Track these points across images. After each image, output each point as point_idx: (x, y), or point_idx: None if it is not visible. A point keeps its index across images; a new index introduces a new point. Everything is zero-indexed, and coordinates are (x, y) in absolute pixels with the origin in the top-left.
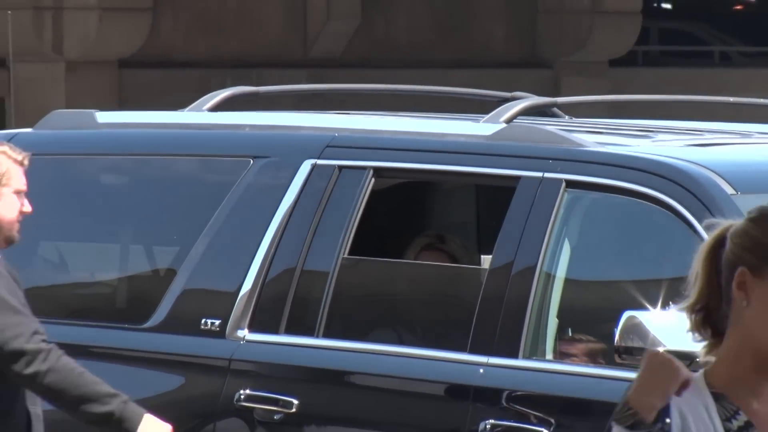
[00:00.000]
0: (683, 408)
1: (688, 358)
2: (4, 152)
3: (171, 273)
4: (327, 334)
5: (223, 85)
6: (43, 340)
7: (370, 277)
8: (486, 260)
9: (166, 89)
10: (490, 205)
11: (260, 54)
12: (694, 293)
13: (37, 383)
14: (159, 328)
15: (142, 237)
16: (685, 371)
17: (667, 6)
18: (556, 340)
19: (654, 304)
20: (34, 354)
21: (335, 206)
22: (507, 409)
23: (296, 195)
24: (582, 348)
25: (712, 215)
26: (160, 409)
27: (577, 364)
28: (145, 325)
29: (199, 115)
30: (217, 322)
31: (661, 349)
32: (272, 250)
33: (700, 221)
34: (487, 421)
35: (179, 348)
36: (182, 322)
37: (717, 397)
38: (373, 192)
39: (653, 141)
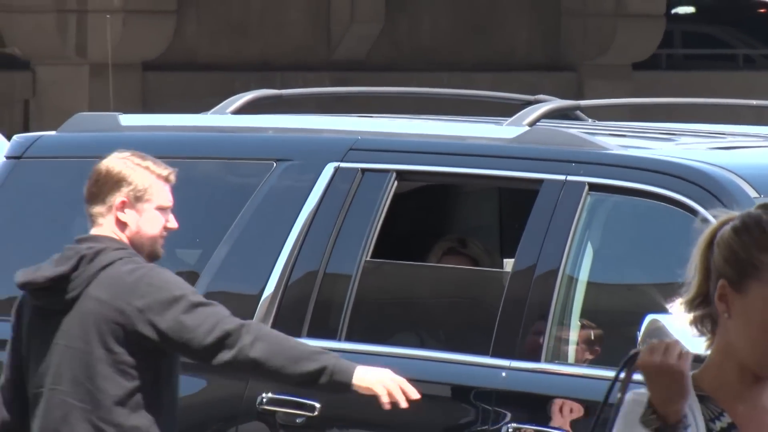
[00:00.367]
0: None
1: None
2: (147, 167)
3: (194, 275)
4: (349, 337)
5: (246, 88)
6: (237, 319)
7: (393, 281)
8: (508, 263)
9: (189, 92)
10: (513, 208)
11: (284, 57)
12: (693, 288)
13: (245, 356)
14: None
15: (165, 240)
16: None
17: (691, 9)
18: (578, 343)
19: (676, 308)
20: (237, 331)
21: (358, 209)
22: (529, 412)
23: (319, 198)
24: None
25: None
26: (183, 412)
27: (601, 368)
28: None
29: (223, 117)
30: None
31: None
32: (295, 253)
33: None
34: (509, 425)
35: None
36: None
37: (702, 399)
38: (395, 195)
39: (676, 144)
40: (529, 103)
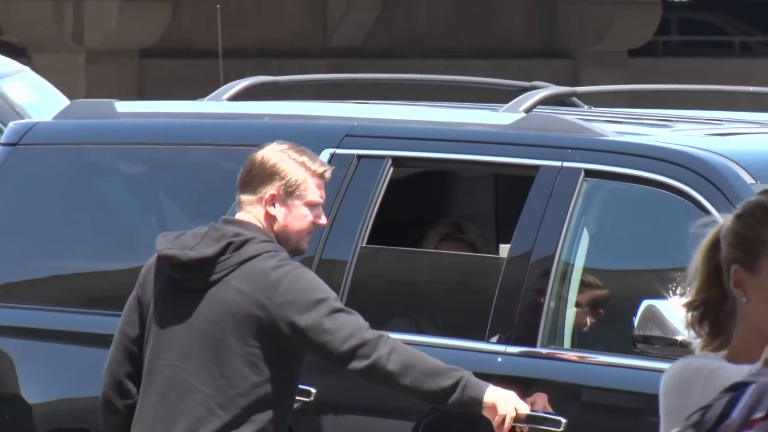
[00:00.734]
0: None
1: None
2: (303, 163)
3: None
4: None
5: (243, 75)
6: (375, 331)
7: (389, 266)
8: (504, 249)
9: (186, 79)
10: (509, 195)
11: (281, 44)
12: (693, 290)
13: (381, 366)
14: None
15: (160, 225)
16: None
17: None
18: (574, 328)
19: (673, 294)
20: (375, 341)
21: (354, 195)
22: (525, 397)
23: None
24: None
25: (732, 204)
26: None
27: (596, 353)
28: None
29: (219, 104)
30: None
31: (679, 338)
32: None
33: (719, 210)
34: None
35: None
36: None
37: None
38: (391, 181)
39: (672, 130)
40: (525, 89)
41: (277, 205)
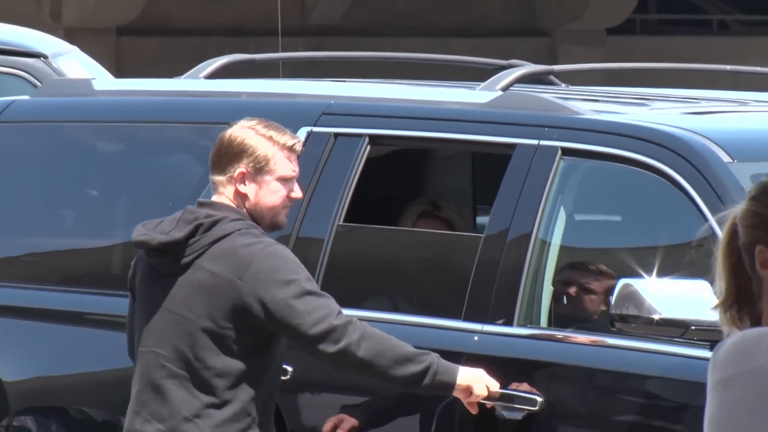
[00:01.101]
0: None
1: (681, 326)
2: (270, 137)
3: None
4: None
5: (221, 53)
6: (345, 316)
7: (365, 244)
8: (481, 227)
9: (164, 57)
10: (486, 173)
11: (259, 22)
12: (723, 290)
13: (351, 353)
14: None
15: (138, 203)
16: None
17: None
18: (551, 307)
19: (649, 272)
20: (344, 327)
21: (331, 173)
22: (501, 376)
23: None
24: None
25: (708, 183)
26: None
27: (572, 332)
28: None
29: (196, 82)
30: None
31: (656, 317)
32: None
33: (696, 189)
34: None
35: None
36: None
37: None
38: (368, 159)
39: (650, 109)
40: (503, 67)
41: (247, 182)
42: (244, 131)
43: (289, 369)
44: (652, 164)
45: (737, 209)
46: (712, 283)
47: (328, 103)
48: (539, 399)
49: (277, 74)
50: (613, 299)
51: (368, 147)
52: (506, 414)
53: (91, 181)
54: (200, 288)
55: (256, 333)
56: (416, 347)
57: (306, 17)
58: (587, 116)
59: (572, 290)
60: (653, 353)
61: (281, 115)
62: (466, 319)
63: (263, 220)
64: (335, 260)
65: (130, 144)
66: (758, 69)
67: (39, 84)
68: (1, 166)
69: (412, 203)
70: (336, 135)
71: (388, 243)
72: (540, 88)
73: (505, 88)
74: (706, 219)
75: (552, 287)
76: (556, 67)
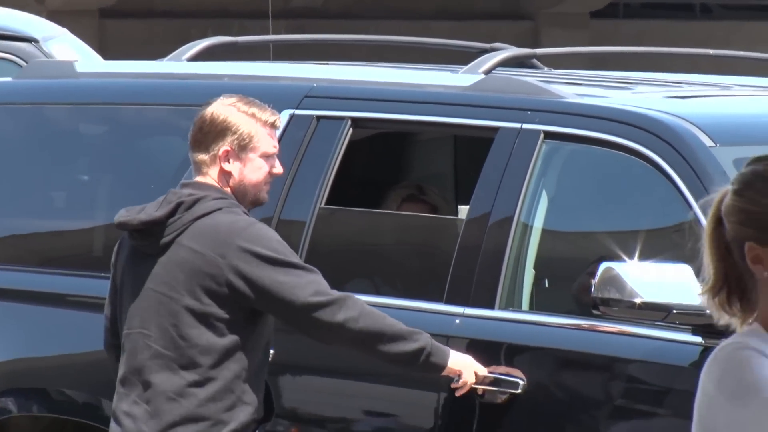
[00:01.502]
0: None
1: (663, 309)
2: (252, 114)
3: None
4: None
5: (203, 36)
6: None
7: (347, 227)
8: (463, 211)
9: (147, 39)
10: (468, 156)
11: (242, 4)
12: (711, 276)
13: (349, 329)
14: None
15: (120, 185)
16: None
17: None
18: (533, 291)
19: (631, 256)
20: (341, 302)
21: (313, 156)
22: (483, 359)
23: None
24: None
25: (691, 167)
26: None
27: (555, 315)
28: None
29: (178, 64)
30: None
31: (638, 301)
32: None
33: (678, 173)
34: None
35: None
36: None
37: None
38: (350, 142)
39: (632, 93)
40: (485, 51)
41: (231, 160)
42: (226, 109)
43: (271, 351)
44: (634, 148)
45: (722, 198)
46: (697, 268)
47: (311, 86)
48: (521, 382)
49: (260, 57)
50: (594, 283)
51: (350, 130)
52: (488, 397)
53: (73, 163)
54: (182, 266)
55: (240, 310)
56: None
57: (288, 0)
58: (570, 100)
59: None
60: (635, 337)
61: (264, 97)
62: (448, 302)
63: (246, 197)
64: (317, 243)
65: (113, 126)
66: (741, 53)
67: None
68: None
69: (396, 187)
70: (318, 118)
71: (370, 226)
72: (523, 71)
73: (487, 72)
74: (688, 203)
75: (534, 271)
76: (539, 51)
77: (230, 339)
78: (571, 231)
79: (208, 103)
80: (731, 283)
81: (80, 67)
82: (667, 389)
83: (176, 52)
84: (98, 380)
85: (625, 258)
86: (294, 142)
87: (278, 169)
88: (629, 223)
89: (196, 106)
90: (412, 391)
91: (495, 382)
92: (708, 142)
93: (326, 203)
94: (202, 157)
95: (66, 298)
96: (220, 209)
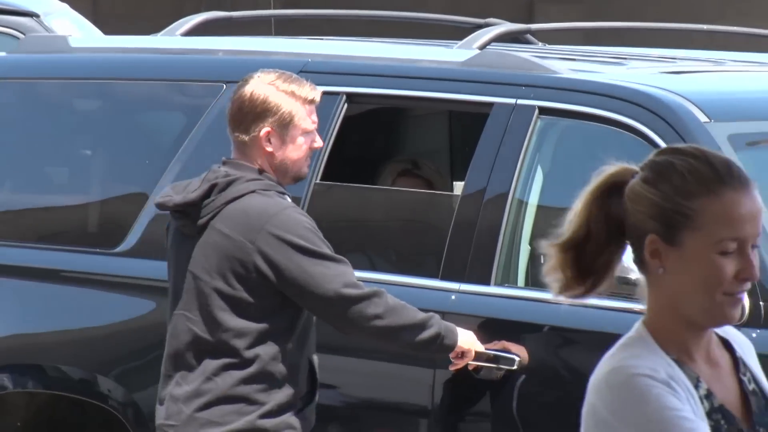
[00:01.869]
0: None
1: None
2: (292, 93)
3: (143, 198)
4: None
5: (197, 10)
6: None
7: (342, 203)
8: (458, 187)
9: (140, 14)
10: (463, 132)
11: None
12: (569, 232)
13: (374, 325)
14: (131, 253)
15: (114, 161)
16: None
17: None
18: (528, 267)
19: None
20: (370, 297)
21: None
22: (478, 336)
23: None
24: None
25: (685, 143)
26: (132, 334)
27: (548, 291)
28: (117, 250)
29: (172, 39)
30: None
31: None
32: None
33: None
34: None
35: (151, 273)
36: (154, 247)
37: (678, 363)
38: (345, 117)
39: (627, 68)
40: (480, 26)
41: (272, 140)
42: (265, 88)
43: None
44: (629, 123)
45: (622, 175)
46: None
47: (305, 61)
48: (517, 358)
49: (255, 32)
50: None
51: (345, 105)
52: (484, 373)
53: (67, 138)
54: (214, 249)
55: (271, 295)
56: None
57: None
58: (565, 75)
59: None
60: (630, 313)
61: None
62: (443, 278)
63: (287, 174)
64: (312, 219)
65: (107, 101)
66: (735, 28)
67: None
68: None
69: (391, 161)
70: None
71: (365, 201)
72: (517, 47)
73: (482, 47)
74: None
75: (529, 246)
76: (534, 26)
77: (264, 323)
78: (567, 207)
79: (246, 81)
80: (579, 246)
81: (74, 42)
82: None
83: (170, 27)
84: (94, 357)
85: None
86: None
87: (318, 143)
88: None
89: (192, 81)
90: (407, 369)
91: (491, 358)
92: (702, 118)
93: (321, 179)
94: (243, 137)
95: (61, 274)
96: (253, 192)
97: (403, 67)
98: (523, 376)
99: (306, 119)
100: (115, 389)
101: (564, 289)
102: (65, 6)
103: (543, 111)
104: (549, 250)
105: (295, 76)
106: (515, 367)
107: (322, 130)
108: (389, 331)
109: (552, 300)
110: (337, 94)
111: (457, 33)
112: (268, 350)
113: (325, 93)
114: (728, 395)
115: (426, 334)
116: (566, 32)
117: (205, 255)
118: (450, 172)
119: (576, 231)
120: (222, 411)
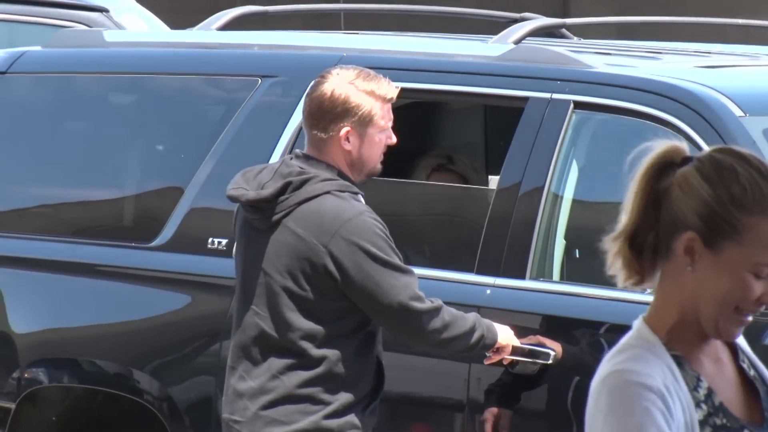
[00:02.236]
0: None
1: None
2: (372, 92)
3: (178, 192)
4: None
5: (232, 5)
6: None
7: (378, 198)
8: (493, 181)
9: (175, 8)
10: (498, 126)
11: None
12: (628, 222)
13: (434, 338)
14: (166, 247)
15: (150, 156)
16: None
17: None
18: (563, 261)
19: None
20: (434, 312)
21: None
22: (513, 330)
23: None
24: None
25: (720, 137)
26: (167, 328)
27: (585, 286)
28: (153, 244)
29: (208, 34)
30: (224, 241)
31: None
32: None
33: (707, 143)
34: None
35: (186, 267)
36: (189, 241)
37: (679, 361)
38: None
39: (662, 62)
40: (515, 21)
41: (351, 138)
42: (346, 87)
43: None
44: (664, 118)
45: (673, 155)
46: None
47: (341, 56)
48: (552, 353)
49: (289, 26)
50: None
51: None
52: (519, 368)
53: (102, 133)
54: (285, 248)
55: (340, 298)
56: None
57: None
58: (599, 70)
59: None
60: None
61: (294, 67)
62: (479, 272)
63: (362, 171)
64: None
65: (142, 96)
66: None
67: None
68: (13, 118)
69: (425, 156)
70: None
71: (400, 196)
72: (552, 41)
73: (517, 42)
74: None
75: (564, 241)
76: (569, 21)
77: (332, 324)
78: (601, 201)
79: (324, 78)
80: (643, 237)
81: (109, 37)
82: None
83: (205, 21)
84: (129, 351)
85: None
86: None
87: (393, 139)
88: None
89: (227, 75)
90: (440, 363)
91: (526, 353)
92: (738, 112)
93: None
94: (321, 135)
95: (96, 268)
96: (327, 193)
97: (438, 62)
98: (558, 371)
99: (384, 118)
100: (151, 383)
101: (627, 278)
102: (133, 1)
103: (578, 105)
104: (609, 244)
105: (373, 73)
106: (550, 362)
107: None
108: (446, 343)
109: (587, 294)
110: None
111: (493, 27)
112: (335, 352)
113: None
114: (730, 390)
115: (473, 340)
116: (600, 27)
117: (277, 253)
118: (485, 166)
119: (631, 217)
120: (287, 410)
